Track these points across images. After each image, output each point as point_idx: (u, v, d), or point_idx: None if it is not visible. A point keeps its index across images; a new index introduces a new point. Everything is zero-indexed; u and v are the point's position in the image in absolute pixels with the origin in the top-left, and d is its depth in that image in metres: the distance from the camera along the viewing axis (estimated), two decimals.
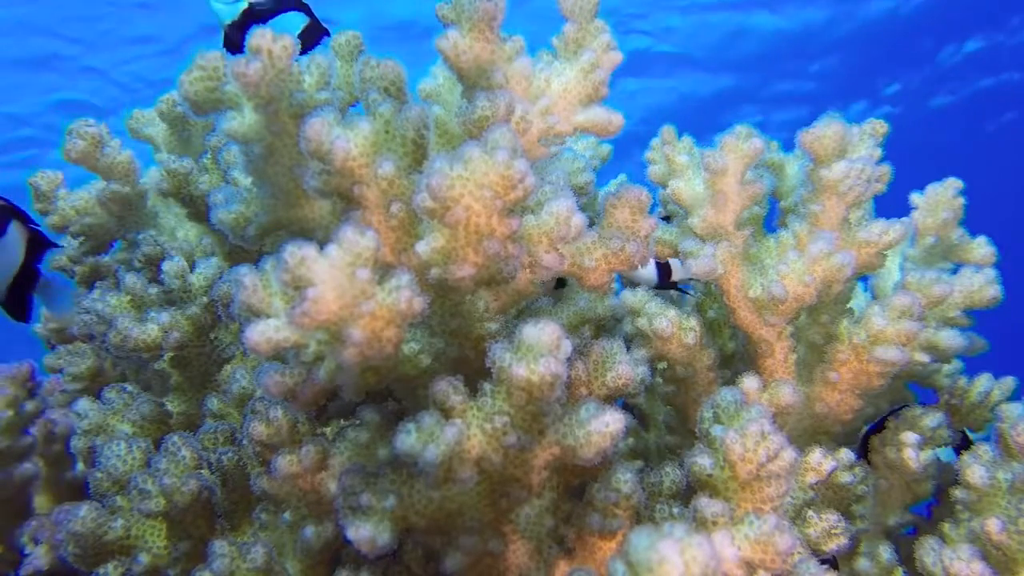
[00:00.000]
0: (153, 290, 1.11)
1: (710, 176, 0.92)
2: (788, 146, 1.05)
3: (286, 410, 0.74)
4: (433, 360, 0.68)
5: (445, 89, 0.77)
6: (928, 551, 0.83)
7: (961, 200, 1.08)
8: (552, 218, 0.63)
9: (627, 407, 1.23)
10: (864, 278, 1.12)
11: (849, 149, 0.91)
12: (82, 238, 1.27)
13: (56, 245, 1.16)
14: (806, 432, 0.98)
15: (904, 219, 0.95)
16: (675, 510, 0.78)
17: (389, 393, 0.77)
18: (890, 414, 1.02)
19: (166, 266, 1.09)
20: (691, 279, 1.02)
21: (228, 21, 1.31)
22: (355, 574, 0.77)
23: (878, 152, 0.94)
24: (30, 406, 1.34)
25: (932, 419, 1.00)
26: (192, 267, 1.12)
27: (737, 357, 1.09)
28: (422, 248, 0.58)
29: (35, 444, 1.19)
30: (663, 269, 1.03)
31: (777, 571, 0.57)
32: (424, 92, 0.78)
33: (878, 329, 0.87)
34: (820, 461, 0.88)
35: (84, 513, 0.83)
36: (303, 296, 0.48)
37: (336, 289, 0.49)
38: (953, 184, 1.08)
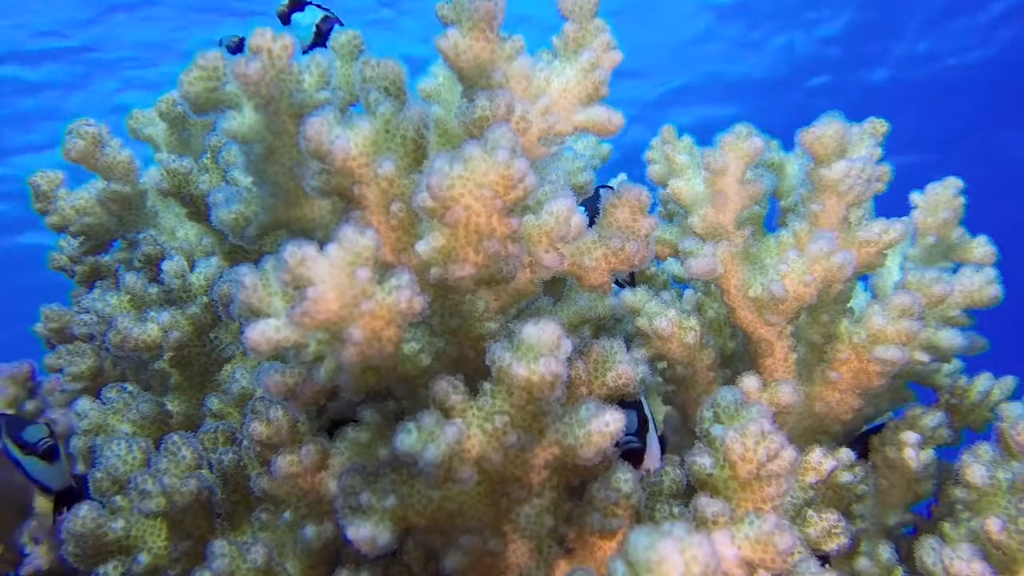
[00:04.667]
0: (153, 290, 1.11)
1: (710, 175, 0.92)
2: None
3: (286, 410, 0.74)
4: (433, 359, 0.68)
5: (445, 89, 0.77)
6: (928, 550, 0.83)
7: (961, 199, 1.08)
8: (552, 217, 0.63)
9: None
10: (864, 277, 1.12)
11: (849, 148, 0.91)
12: (82, 238, 1.27)
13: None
14: (806, 431, 0.98)
15: (904, 218, 0.95)
16: (675, 509, 0.78)
17: (389, 393, 0.77)
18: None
19: (166, 266, 1.09)
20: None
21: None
22: (355, 574, 0.77)
23: (878, 151, 0.94)
24: (30, 406, 1.34)
25: (932, 418, 1.00)
26: (192, 267, 1.12)
27: (737, 357, 1.09)
28: (422, 248, 0.58)
29: None
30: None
31: (777, 570, 0.57)
32: (424, 92, 0.78)
33: (878, 328, 0.87)
34: (820, 460, 0.88)
35: (84, 513, 0.83)
36: (303, 296, 0.48)
37: (336, 289, 0.49)
38: (953, 183, 1.08)
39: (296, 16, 1.44)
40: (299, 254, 0.48)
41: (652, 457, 0.85)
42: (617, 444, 0.76)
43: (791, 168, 1.12)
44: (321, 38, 1.43)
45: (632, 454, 0.82)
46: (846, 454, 0.94)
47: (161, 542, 0.86)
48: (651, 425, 0.86)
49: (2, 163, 7.71)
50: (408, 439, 0.57)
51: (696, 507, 0.63)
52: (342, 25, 1.42)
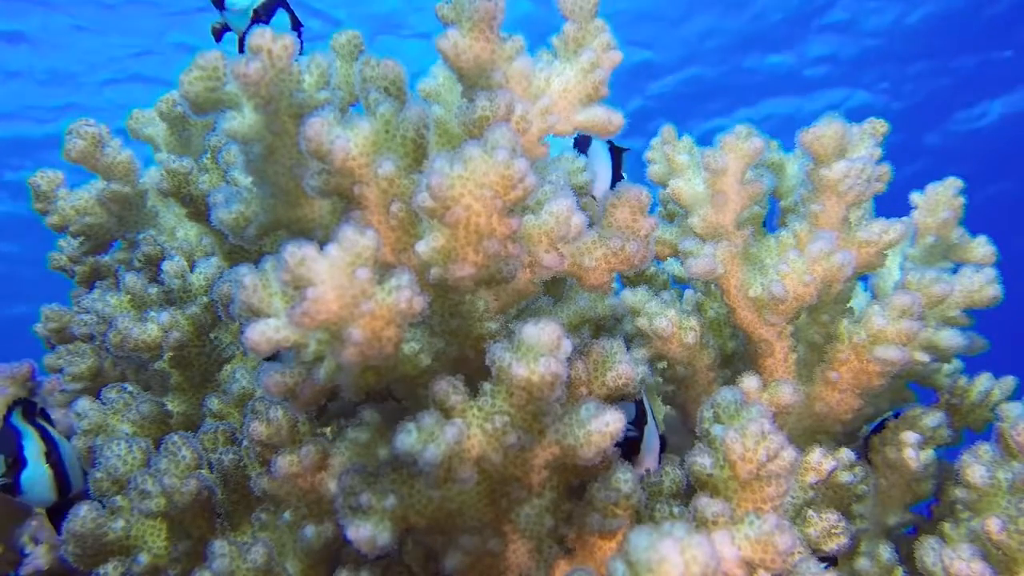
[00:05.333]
0: (153, 290, 1.11)
1: (710, 176, 0.92)
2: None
3: (286, 410, 0.74)
4: (433, 360, 0.68)
5: (445, 89, 0.77)
6: (928, 550, 0.83)
7: (961, 199, 1.08)
8: (552, 218, 0.63)
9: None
10: (864, 277, 1.12)
11: (849, 148, 0.91)
12: (82, 238, 1.27)
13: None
14: (806, 431, 0.98)
15: (904, 218, 0.95)
16: (675, 510, 0.78)
17: (389, 393, 0.77)
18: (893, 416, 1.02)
19: (166, 266, 1.09)
20: None
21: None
22: (355, 574, 0.77)
23: (878, 151, 0.94)
24: None
25: (932, 419, 1.00)
26: (192, 267, 1.12)
27: (737, 357, 1.09)
28: (422, 248, 0.58)
29: None
30: None
31: (777, 570, 0.57)
32: (424, 92, 0.78)
33: (878, 328, 0.87)
34: (820, 461, 0.88)
35: (84, 513, 0.83)
36: (303, 296, 0.48)
37: (336, 289, 0.49)
38: (953, 183, 1.08)
39: (229, 0, 1.40)
40: (299, 254, 0.48)
41: (650, 452, 0.85)
42: None
43: (791, 168, 1.12)
44: (260, 23, 1.40)
45: (628, 444, 0.81)
46: (846, 454, 0.94)
47: (161, 542, 0.86)
48: (650, 419, 0.86)
49: None
50: (408, 439, 0.57)
51: (696, 507, 0.63)
52: (288, 10, 1.39)
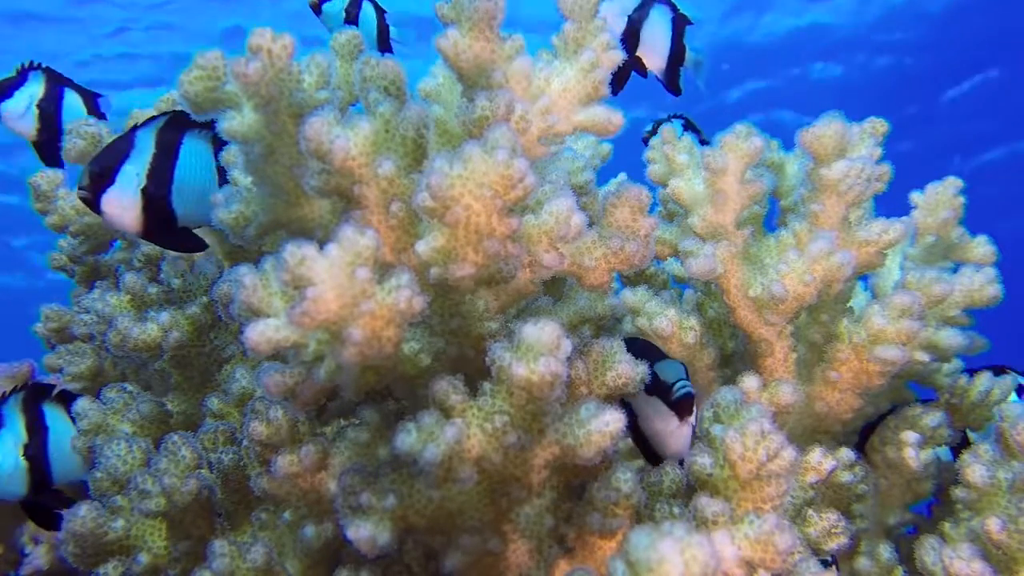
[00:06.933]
0: (153, 289, 1.11)
1: (710, 175, 0.92)
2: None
3: (286, 410, 0.74)
4: (433, 359, 0.68)
5: (445, 89, 0.77)
6: (928, 550, 0.83)
7: (961, 199, 1.08)
8: (552, 217, 0.63)
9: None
10: (864, 277, 1.12)
11: (849, 148, 0.91)
12: (82, 237, 1.27)
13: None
14: (806, 431, 0.98)
15: (904, 218, 0.95)
16: (675, 509, 0.78)
17: (389, 393, 0.77)
18: (889, 413, 1.02)
19: (166, 265, 1.09)
20: None
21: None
22: (355, 574, 0.77)
23: (878, 151, 0.94)
24: None
25: (932, 418, 1.00)
26: (192, 267, 1.12)
27: (737, 356, 1.09)
28: (422, 247, 0.58)
29: None
30: None
31: (777, 570, 0.57)
32: (424, 91, 0.78)
33: (878, 328, 0.87)
34: (820, 460, 0.88)
35: (84, 513, 0.83)
36: (303, 296, 0.48)
37: (336, 288, 0.49)
38: (953, 183, 1.08)
39: (326, 6, 1.55)
40: (299, 254, 0.48)
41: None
42: (670, 389, 0.74)
43: (791, 168, 1.12)
44: (351, 20, 1.55)
45: (686, 400, 0.78)
46: (846, 454, 0.94)
47: (161, 542, 0.86)
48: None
49: None
50: (408, 439, 0.57)
51: (696, 507, 0.63)
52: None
